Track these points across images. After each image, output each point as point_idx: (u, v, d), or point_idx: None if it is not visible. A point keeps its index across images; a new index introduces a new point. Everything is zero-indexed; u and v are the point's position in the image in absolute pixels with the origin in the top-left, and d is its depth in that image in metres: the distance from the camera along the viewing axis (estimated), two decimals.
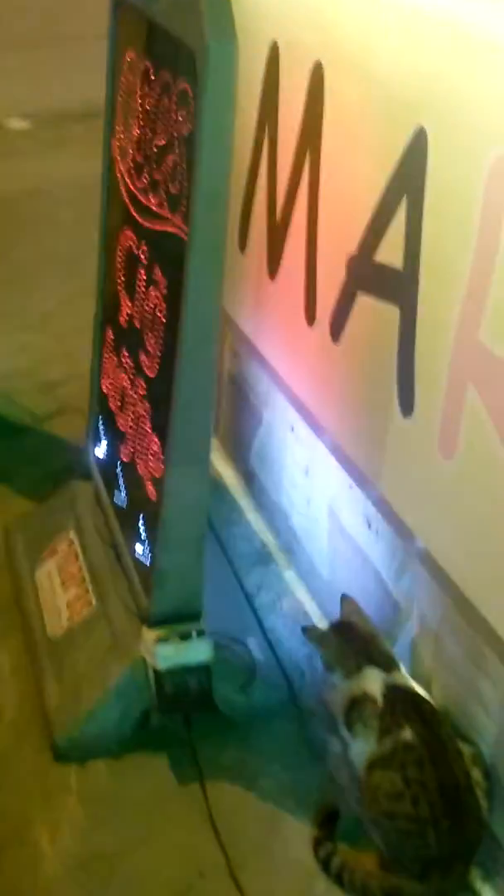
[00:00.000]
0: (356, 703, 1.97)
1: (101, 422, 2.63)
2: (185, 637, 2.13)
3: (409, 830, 1.81)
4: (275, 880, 1.93)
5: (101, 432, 2.63)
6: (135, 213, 2.24)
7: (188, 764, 2.15)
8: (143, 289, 2.20)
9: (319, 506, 2.55)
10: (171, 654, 2.12)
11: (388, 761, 1.87)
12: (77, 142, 5.59)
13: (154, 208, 2.09)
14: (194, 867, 1.95)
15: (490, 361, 1.65)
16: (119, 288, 2.41)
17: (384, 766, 1.87)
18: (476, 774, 1.85)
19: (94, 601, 2.39)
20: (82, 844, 1.99)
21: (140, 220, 2.20)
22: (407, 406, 1.94)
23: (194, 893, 1.90)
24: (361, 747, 1.95)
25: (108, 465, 2.57)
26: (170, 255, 1.99)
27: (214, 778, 2.13)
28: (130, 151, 2.29)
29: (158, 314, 2.08)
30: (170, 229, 1.98)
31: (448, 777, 1.82)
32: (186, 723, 2.22)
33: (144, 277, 2.20)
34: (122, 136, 2.39)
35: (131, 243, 2.29)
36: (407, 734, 1.87)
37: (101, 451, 2.64)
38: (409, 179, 1.84)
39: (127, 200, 2.31)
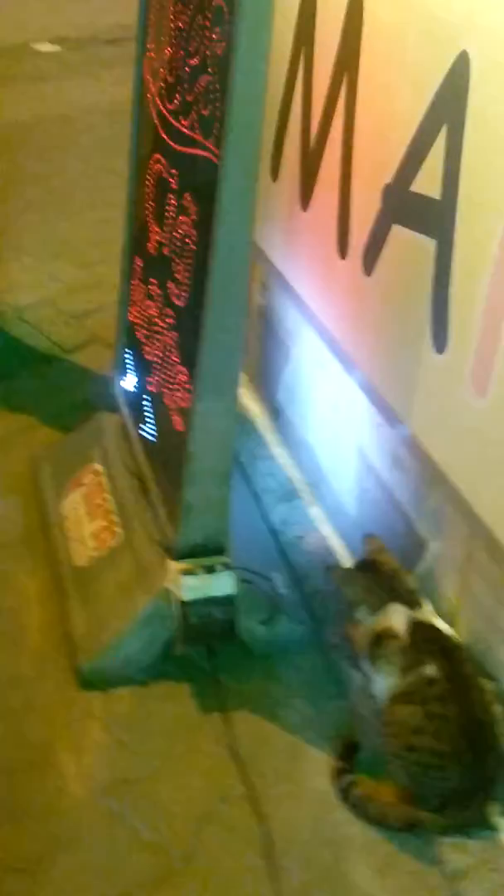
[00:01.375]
0: (380, 639, 1.98)
1: (128, 353, 2.61)
2: (210, 570, 2.14)
3: (430, 764, 1.82)
4: (294, 808, 1.95)
5: (129, 363, 2.61)
6: (165, 137, 2.18)
7: (211, 694, 2.18)
8: (173, 216, 2.15)
9: (347, 443, 2.53)
10: (195, 586, 2.13)
11: (410, 696, 1.88)
12: (107, 66, 5.48)
13: (186, 131, 2.04)
14: (216, 794, 1.98)
15: None
16: (148, 215, 2.36)
17: (406, 701, 1.88)
18: (497, 710, 1.85)
19: (120, 532, 2.40)
20: (106, 770, 2.02)
21: (171, 143, 2.15)
22: (440, 342, 1.90)
23: (215, 819, 1.93)
24: (384, 682, 1.96)
25: (135, 397, 2.56)
26: (201, 181, 1.95)
27: (237, 708, 2.15)
28: (162, 72, 2.22)
29: (188, 242, 2.04)
30: (202, 153, 1.93)
31: (470, 712, 1.83)
32: (210, 654, 2.24)
33: (175, 204, 2.15)
34: (153, 56, 2.32)
35: (161, 168, 2.24)
36: (430, 669, 1.87)
37: (128, 382, 2.63)
38: (449, 106, 1.78)
39: (158, 123, 2.26)
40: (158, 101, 2.25)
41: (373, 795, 1.91)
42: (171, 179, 2.19)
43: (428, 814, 1.84)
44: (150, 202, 2.35)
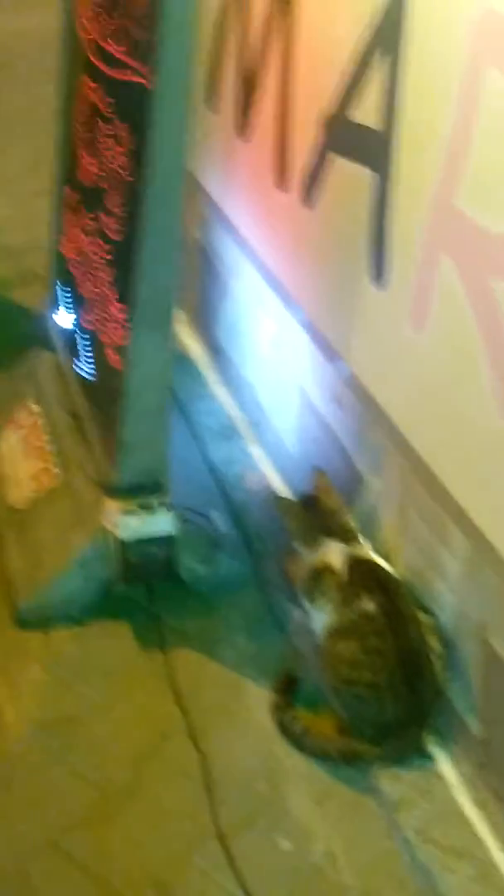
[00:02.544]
0: (318, 575, 1.99)
1: (62, 288, 2.55)
2: (148, 509, 2.12)
3: (368, 697, 1.85)
4: (235, 743, 1.97)
5: (63, 299, 2.55)
6: (97, 62, 2.10)
7: (152, 632, 2.18)
8: (106, 144, 2.08)
9: (287, 381, 2.51)
10: (134, 525, 2.11)
11: (348, 631, 1.90)
12: None
13: (118, 55, 1.96)
14: (157, 731, 1.99)
15: (466, 228, 1.59)
16: (80, 144, 2.29)
17: (344, 636, 1.90)
18: (434, 643, 1.88)
19: (57, 472, 2.36)
20: (46, 709, 2.02)
21: (103, 68, 2.07)
22: (379, 276, 1.88)
23: (156, 755, 1.94)
24: (322, 617, 1.98)
25: (70, 334, 2.50)
26: (134, 108, 1.88)
27: (177, 646, 2.16)
28: None
29: (122, 172, 1.98)
30: (134, 78, 1.86)
31: (406, 646, 1.85)
32: (150, 592, 2.23)
33: (107, 132, 2.08)
34: None
35: (93, 95, 2.16)
36: (367, 604, 1.88)
37: (63, 319, 2.57)
38: (388, 33, 1.73)
39: (89, 48, 2.17)
40: (89, 25, 2.16)
41: (312, 728, 1.94)
42: (103, 106, 2.12)
43: (365, 745, 1.87)
44: (82, 130, 2.27)
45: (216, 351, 2.99)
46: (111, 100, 2.09)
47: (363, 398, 2.03)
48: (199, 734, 1.97)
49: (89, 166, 2.24)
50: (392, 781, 1.85)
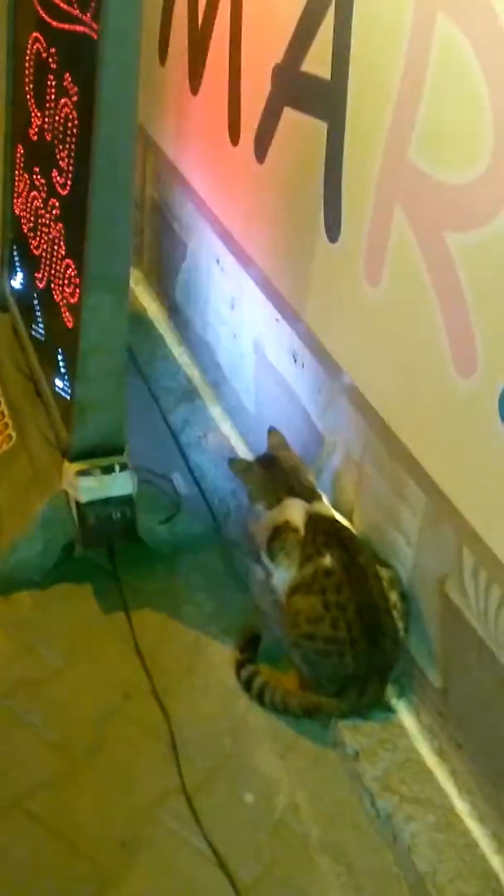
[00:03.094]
0: (278, 533, 1.99)
1: (15, 249, 2.50)
2: (107, 471, 2.10)
3: (328, 651, 1.86)
4: (198, 700, 1.98)
5: (16, 260, 2.50)
6: (43, 13, 2.05)
7: (113, 594, 2.17)
8: (54, 98, 2.04)
9: (246, 340, 2.50)
10: (93, 487, 2.10)
11: (308, 586, 1.90)
12: None
13: (63, 6, 1.91)
14: (119, 690, 1.99)
15: (418, 180, 1.58)
16: (29, 98, 2.23)
17: (305, 592, 1.91)
18: (393, 597, 1.89)
19: (13, 435, 2.33)
20: (7, 672, 2.00)
21: (49, 20, 2.02)
22: (333, 231, 1.86)
23: (119, 715, 1.94)
24: (283, 574, 1.98)
25: (24, 295, 2.46)
26: (81, 60, 1.84)
27: (139, 607, 2.15)
28: None
29: (70, 126, 1.94)
30: (80, 29, 1.82)
31: (366, 600, 1.86)
32: (111, 554, 2.22)
33: (55, 85, 2.03)
34: None
35: (40, 47, 2.11)
36: (327, 560, 1.89)
37: (16, 280, 2.52)
38: None
39: (35, 0, 2.11)
40: None
41: (274, 684, 1.95)
42: (49, 59, 2.07)
43: (327, 699, 1.88)
44: (30, 84, 2.22)
45: (173, 311, 2.96)
46: (56, 50, 2.04)
47: (319, 355, 2.03)
48: (163, 693, 1.98)
49: (37, 120, 2.19)
50: (353, 733, 1.87)
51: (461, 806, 1.77)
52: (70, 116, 1.95)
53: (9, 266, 2.54)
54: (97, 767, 1.85)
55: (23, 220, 2.40)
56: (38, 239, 2.28)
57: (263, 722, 1.94)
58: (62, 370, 2.17)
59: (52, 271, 2.17)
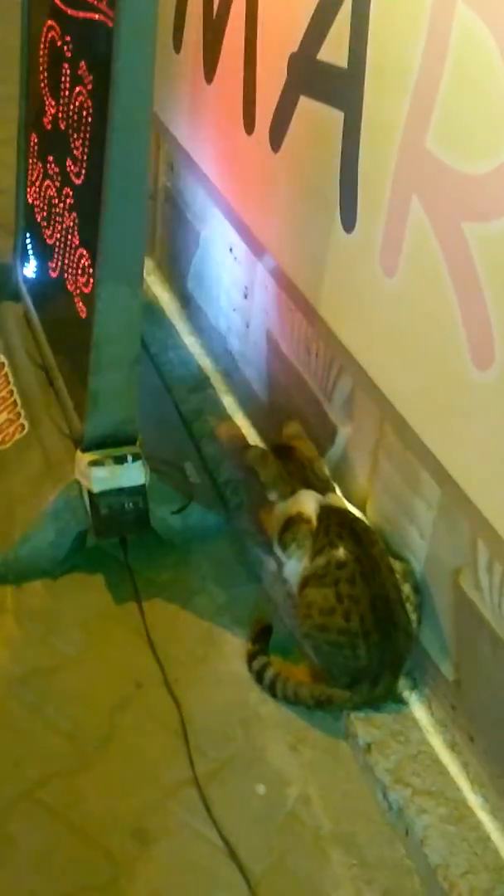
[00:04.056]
0: (291, 523, 1.98)
1: (28, 238, 2.49)
2: (119, 460, 2.10)
3: (341, 643, 1.85)
4: (210, 690, 1.98)
5: (30, 249, 2.50)
6: (58, 2, 2.04)
7: (125, 584, 2.17)
8: (69, 87, 2.03)
9: (258, 329, 2.49)
10: (105, 477, 2.09)
11: (321, 578, 1.90)
12: None
13: None
14: (132, 680, 1.99)
15: (436, 169, 1.57)
16: (43, 87, 2.22)
17: (318, 583, 1.90)
18: (407, 589, 1.89)
19: (26, 425, 2.33)
20: (20, 662, 2.01)
21: (64, 8, 2.01)
22: (349, 221, 1.85)
23: (131, 704, 1.94)
24: (296, 566, 1.98)
25: (37, 284, 2.46)
26: (96, 48, 1.82)
27: (151, 597, 2.15)
28: None
29: (85, 114, 1.93)
30: (95, 17, 1.80)
31: (379, 592, 1.85)
32: (123, 545, 2.22)
33: (70, 74, 2.02)
34: None
35: (55, 35, 2.10)
36: (340, 552, 1.89)
37: (29, 269, 2.52)
38: None
39: None
40: None
41: (286, 675, 1.95)
42: (64, 47, 2.05)
43: (339, 691, 1.88)
44: (45, 73, 2.21)
45: (186, 300, 2.95)
46: (71, 39, 2.03)
47: (333, 345, 2.02)
48: (174, 684, 1.98)
49: (52, 109, 2.18)
50: (365, 725, 1.87)
51: (473, 799, 1.76)
52: (84, 105, 1.94)
53: (22, 255, 2.53)
54: (109, 757, 1.85)
55: (36, 209, 2.40)
56: (51, 228, 2.27)
57: (275, 713, 1.93)
58: (76, 360, 2.17)
59: (66, 261, 2.17)
